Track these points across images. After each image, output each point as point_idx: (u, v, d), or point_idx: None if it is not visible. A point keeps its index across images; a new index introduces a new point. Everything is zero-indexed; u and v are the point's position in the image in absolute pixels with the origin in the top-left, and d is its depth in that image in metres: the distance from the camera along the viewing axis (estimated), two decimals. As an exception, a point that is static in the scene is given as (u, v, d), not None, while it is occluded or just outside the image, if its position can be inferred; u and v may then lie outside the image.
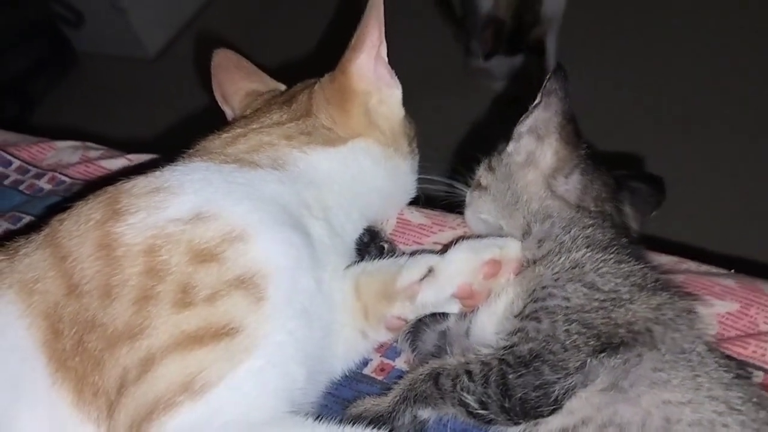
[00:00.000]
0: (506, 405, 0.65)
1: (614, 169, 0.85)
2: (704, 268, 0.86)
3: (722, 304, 0.80)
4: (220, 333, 0.65)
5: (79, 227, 0.71)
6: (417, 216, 0.95)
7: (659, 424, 0.59)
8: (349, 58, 0.87)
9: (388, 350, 0.85)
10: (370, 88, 0.89)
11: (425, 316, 0.81)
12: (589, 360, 0.64)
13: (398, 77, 0.90)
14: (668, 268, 0.83)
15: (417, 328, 0.82)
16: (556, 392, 0.64)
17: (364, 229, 0.88)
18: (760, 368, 0.75)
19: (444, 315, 0.81)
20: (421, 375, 0.72)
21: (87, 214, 0.72)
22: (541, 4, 2.00)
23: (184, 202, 0.71)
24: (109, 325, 0.66)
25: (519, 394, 0.64)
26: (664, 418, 0.60)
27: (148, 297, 0.66)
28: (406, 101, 0.91)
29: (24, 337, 0.67)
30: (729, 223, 1.79)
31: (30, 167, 1.18)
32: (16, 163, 1.20)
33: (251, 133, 0.84)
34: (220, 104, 1.01)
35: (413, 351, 0.81)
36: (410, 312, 0.80)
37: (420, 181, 0.94)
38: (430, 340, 0.80)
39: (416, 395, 0.71)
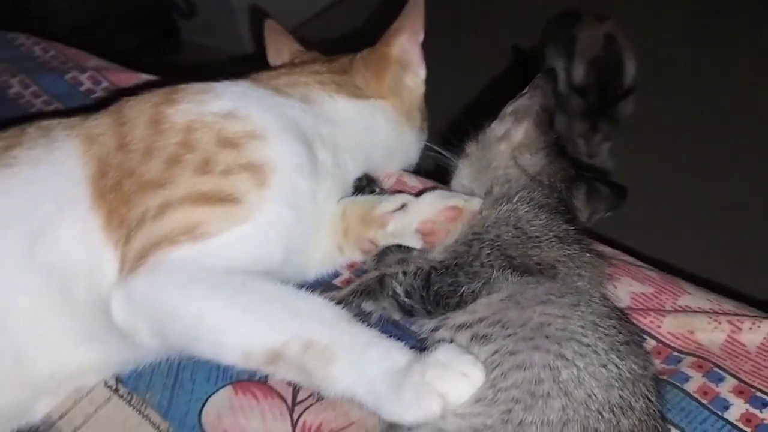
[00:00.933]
0: (424, 295, 0.80)
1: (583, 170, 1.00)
2: (639, 263, 0.98)
3: (639, 286, 0.92)
4: (225, 199, 0.83)
5: (140, 105, 0.91)
6: (413, 180, 1.12)
7: (535, 325, 0.73)
8: (393, 34, 1.08)
9: (357, 269, 1.01)
10: (403, 63, 1.09)
11: (392, 247, 0.97)
12: (496, 273, 0.79)
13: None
14: (604, 253, 0.95)
15: (383, 253, 0.97)
16: (464, 291, 0.79)
17: (363, 175, 1.06)
18: (654, 337, 0.87)
19: (408, 249, 0.96)
20: (371, 276, 0.88)
21: (149, 98, 0.93)
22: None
23: (223, 103, 0.90)
24: (143, 175, 0.84)
25: (435, 287, 0.80)
26: (540, 322, 0.73)
27: (177, 161, 0.84)
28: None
29: (78, 170, 0.86)
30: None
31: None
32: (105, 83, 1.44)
33: (292, 74, 1.04)
34: (271, 58, 1.21)
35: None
36: (381, 237, 0.96)
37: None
38: (391, 262, 0.95)
39: (363, 290, 0.87)
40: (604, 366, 0.70)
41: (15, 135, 0.91)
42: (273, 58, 1.21)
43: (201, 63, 2.92)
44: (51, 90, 1.44)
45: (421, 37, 1.09)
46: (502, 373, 0.69)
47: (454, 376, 0.69)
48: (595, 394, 0.67)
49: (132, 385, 0.92)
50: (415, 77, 1.11)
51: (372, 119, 1.05)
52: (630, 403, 0.68)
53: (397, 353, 0.74)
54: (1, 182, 0.84)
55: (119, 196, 0.84)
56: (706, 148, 2.32)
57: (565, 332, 0.72)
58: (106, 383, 0.93)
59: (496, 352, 0.72)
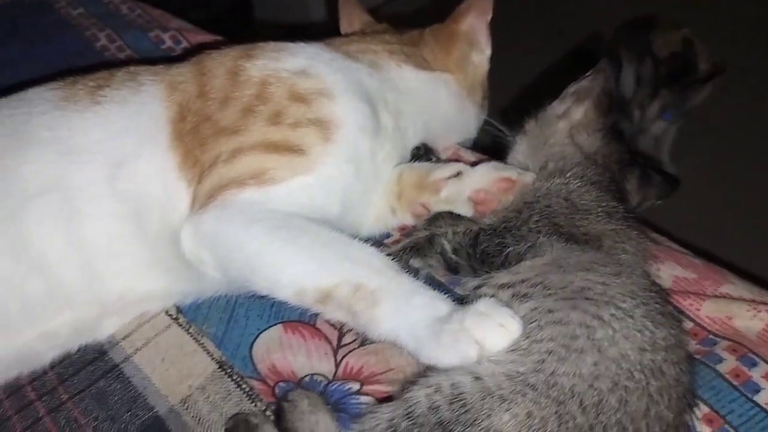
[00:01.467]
0: (470, 252, 0.84)
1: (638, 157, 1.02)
2: (684, 250, 1.00)
3: (682, 271, 0.94)
4: (292, 150, 0.89)
5: (220, 58, 0.98)
6: (468, 154, 1.16)
7: (575, 288, 0.76)
8: (463, 11, 1.13)
9: (407, 231, 1.05)
10: (471, 40, 1.14)
11: (443, 213, 1.00)
12: (542, 238, 0.82)
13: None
14: (653, 238, 0.98)
15: (434, 218, 1.01)
16: (509, 252, 0.83)
17: (422, 144, 1.10)
18: (691, 319, 0.89)
19: (458, 217, 1.00)
20: (421, 234, 0.93)
21: (228, 52, 0.99)
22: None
23: (297, 61, 0.96)
24: (219, 121, 0.91)
25: (482, 246, 0.84)
26: (580, 286, 0.76)
27: (252, 111, 0.91)
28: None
29: (160, 112, 0.93)
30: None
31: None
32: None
33: (363, 42, 1.10)
34: (343, 29, 1.26)
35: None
36: (434, 203, 1.00)
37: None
38: (441, 224, 0.99)
39: (413, 246, 0.91)
40: (639, 331, 0.72)
41: (104, 77, 0.98)
42: (345, 28, 1.27)
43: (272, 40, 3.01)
44: (134, 46, 1.53)
45: (489, 17, 1.14)
46: (539, 326, 0.73)
47: (492, 326, 0.73)
48: (627, 355, 0.70)
49: (191, 315, 0.99)
50: (481, 55, 1.15)
51: (435, 91, 1.10)
52: (661, 368, 0.71)
53: (440, 303, 0.78)
54: (92, 116, 0.91)
55: (196, 138, 0.90)
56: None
57: (604, 296, 0.75)
58: (167, 312, 1.00)
59: (534, 309, 0.76)
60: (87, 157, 0.88)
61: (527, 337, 0.73)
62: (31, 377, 0.95)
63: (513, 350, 0.72)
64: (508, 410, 0.67)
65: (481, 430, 0.66)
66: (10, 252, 0.85)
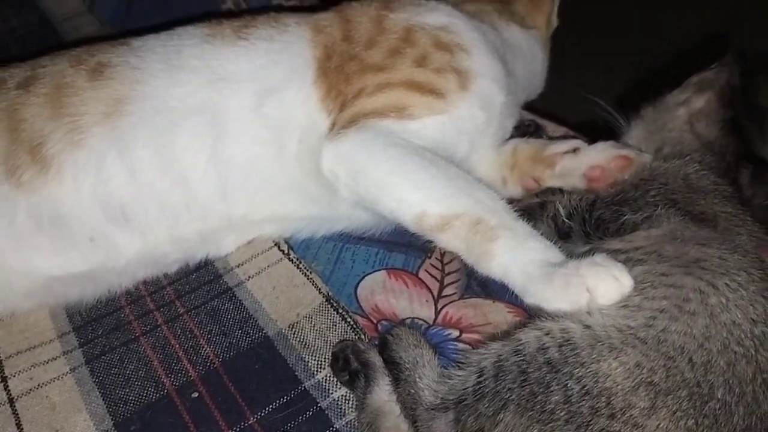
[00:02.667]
0: (586, 217, 0.87)
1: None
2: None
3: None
4: (433, 91, 0.94)
5: (362, 7, 1.04)
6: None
7: (691, 258, 0.78)
8: None
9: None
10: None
11: (554, 189, 1.03)
12: (660, 211, 0.84)
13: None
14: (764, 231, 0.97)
15: (543, 192, 1.04)
16: (625, 220, 0.85)
17: (531, 121, 1.14)
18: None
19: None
20: (533, 200, 0.96)
21: (369, 3, 1.05)
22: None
23: (437, 16, 1.02)
24: (365, 60, 0.97)
25: (598, 212, 0.87)
26: (696, 257, 0.78)
27: (399, 52, 0.97)
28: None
29: (307, 51, 0.99)
30: None
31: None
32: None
33: (473, 3, 1.14)
34: None
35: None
36: (548, 177, 1.03)
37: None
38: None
39: (524, 209, 0.94)
40: (752, 304, 0.74)
41: (249, 19, 1.05)
42: None
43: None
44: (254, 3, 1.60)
45: None
46: (653, 286, 0.75)
47: (606, 276, 0.76)
48: (739, 323, 0.72)
49: (301, 253, 1.05)
50: (554, 14, 1.22)
51: (535, 47, 1.16)
52: (770, 341, 0.72)
53: (554, 251, 0.82)
54: (240, 49, 0.98)
55: (340, 75, 0.97)
56: None
57: (720, 268, 0.76)
58: (279, 247, 1.06)
59: (648, 272, 0.78)
60: (236, 84, 0.95)
61: (639, 294, 0.75)
62: (151, 290, 1.03)
63: (624, 305, 0.74)
64: (616, 358, 0.69)
65: (589, 372, 0.68)
66: (157, 164, 0.92)
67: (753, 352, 0.71)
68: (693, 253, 0.79)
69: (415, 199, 0.87)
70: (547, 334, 0.73)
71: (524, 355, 0.72)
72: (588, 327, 0.73)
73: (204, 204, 0.96)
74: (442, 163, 0.90)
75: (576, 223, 0.89)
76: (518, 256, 0.81)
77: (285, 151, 0.95)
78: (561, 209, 0.90)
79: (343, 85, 0.95)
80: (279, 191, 0.98)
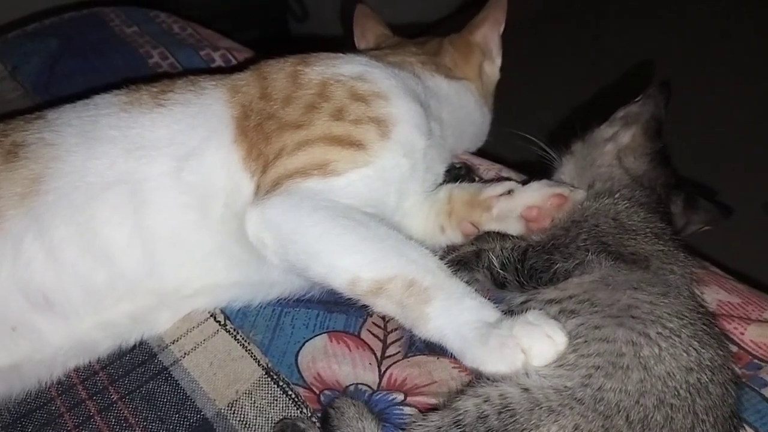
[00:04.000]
0: (519, 268, 0.86)
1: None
2: (728, 276, 1.00)
3: (726, 295, 0.94)
4: (354, 144, 0.92)
5: (278, 65, 1.03)
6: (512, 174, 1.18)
7: (622, 306, 0.77)
8: (478, 24, 1.20)
9: (453, 247, 1.06)
10: (485, 50, 1.21)
11: (491, 233, 1.02)
12: (591, 256, 0.83)
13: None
14: (698, 263, 0.98)
15: (481, 236, 1.03)
16: (557, 268, 0.84)
17: (462, 164, 1.12)
18: (735, 343, 0.89)
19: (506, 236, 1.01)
20: (469, 249, 0.95)
21: (286, 59, 1.03)
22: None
23: (352, 67, 1.00)
24: (283, 117, 0.95)
25: (531, 262, 0.85)
26: (627, 303, 0.77)
27: (315, 107, 0.95)
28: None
29: (224, 111, 0.97)
30: None
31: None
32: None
33: (396, 54, 1.14)
34: (356, 40, 1.31)
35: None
36: (485, 221, 1.01)
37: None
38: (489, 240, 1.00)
39: (460, 260, 0.93)
40: (686, 351, 0.73)
41: (166, 84, 1.03)
42: (358, 40, 1.33)
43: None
44: (186, 63, 1.58)
45: (501, 28, 1.20)
46: (586, 342, 0.74)
47: (540, 336, 0.75)
48: (673, 374, 0.71)
49: (238, 322, 1.02)
50: (493, 64, 1.22)
51: (464, 98, 1.15)
52: (707, 388, 0.72)
53: (489, 309, 0.80)
54: (157, 116, 0.96)
55: (260, 134, 0.95)
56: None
57: (651, 315, 0.76)
58: (215, 318, 1.03)
59: (581, 324, 0.77)
60: (154, 151, 0.92)
61: (574, 352, 0.74)
62: (83, 376, 0.98)
63: (560, 365, 0.73)
64: (555, 422, 0.68)
65: (529, 439, 0.67)
66: (77, 243, 0.89)
67: (689, 403, 0.70)
68: (625, 300, 0.78)
69: (346, 264, 0.85)
70: (486, 401, 0.72)
71: (464, 426, 0.70)
72: (526, 390, 0.71)
73: (131, 280, 0.92)
74: (372, 222, 0.88)
75: (510, 274, 0.87)
76: (453, 318, 0.80)
77: (210, 216, 0.92)
78: (494, 260, 0.88)
79: (263, 144, 0.93)
80: (207, 258, 0.95)
